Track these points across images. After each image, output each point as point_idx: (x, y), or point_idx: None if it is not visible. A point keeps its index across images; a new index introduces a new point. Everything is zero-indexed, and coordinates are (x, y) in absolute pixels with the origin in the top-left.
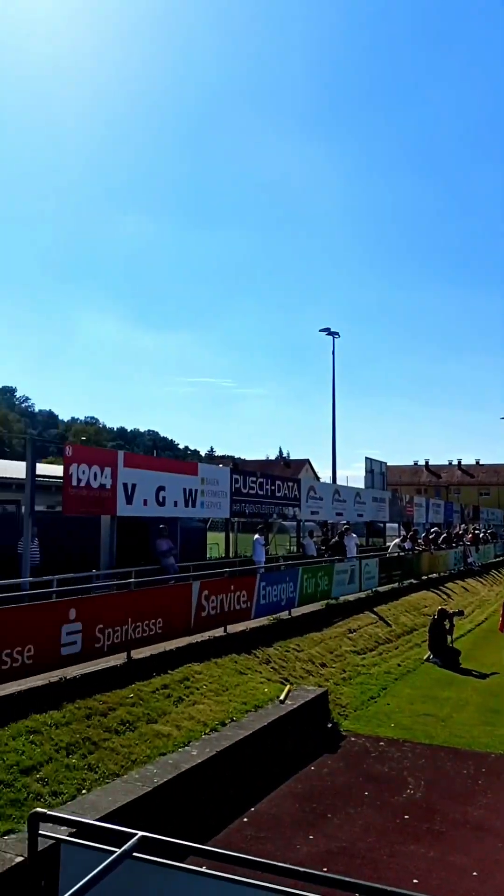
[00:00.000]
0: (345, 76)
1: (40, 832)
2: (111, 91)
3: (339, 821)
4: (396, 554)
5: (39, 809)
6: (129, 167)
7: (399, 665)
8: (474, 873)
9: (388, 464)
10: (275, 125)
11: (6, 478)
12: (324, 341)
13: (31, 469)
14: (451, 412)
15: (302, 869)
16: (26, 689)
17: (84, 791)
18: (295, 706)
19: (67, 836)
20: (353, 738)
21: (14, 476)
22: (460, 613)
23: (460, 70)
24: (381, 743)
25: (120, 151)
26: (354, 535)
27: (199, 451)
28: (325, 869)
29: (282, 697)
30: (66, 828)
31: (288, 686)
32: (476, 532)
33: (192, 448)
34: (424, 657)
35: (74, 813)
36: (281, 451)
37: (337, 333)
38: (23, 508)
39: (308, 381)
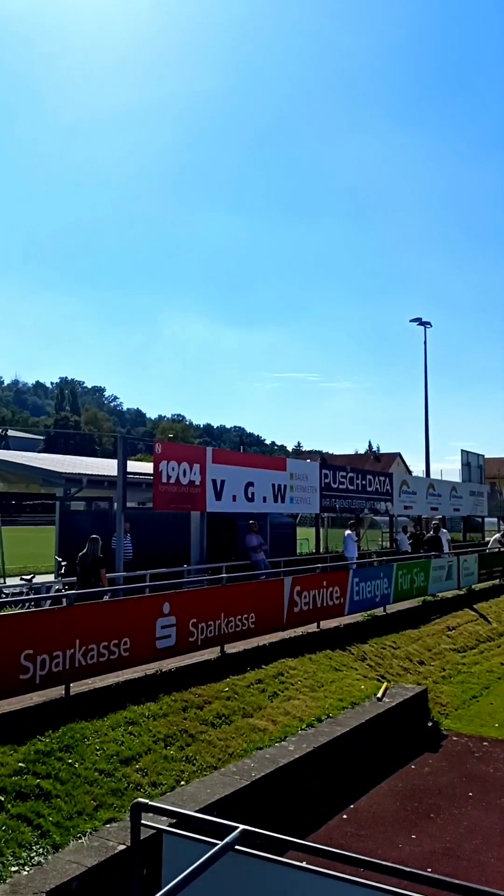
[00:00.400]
0: (430, 59)
1: (142, 822)
2: (195, 89)
3: (443, 821)
4: (497, 549)
5: (141, 800)
6: (211, 165)
7: (502, 664)
8: None
9: (486, 456)
10: (360, 115)
11: (98, 475)
12: (414, 332)
13: (122, 466)
14: None
15: (407, 868)
16: (123, 680)
17: (182, 783)
18: (393, 704)
19: (168, 826)
20: (454, 738)
21: (105, 473)
22: None
23: None
24: (485, 743)
25: (202, 149)
26: (446, 531)
27: (285, 447)
28: (429, 869)
29: (379, 695)
30: (166, 818)
31: (385, 683)
32: None
33: (278, 443)
34: None
35: (174, 804)
36: (370, 445)
37: (429, 323)
38: (115, 505)
39: (397, 373)
